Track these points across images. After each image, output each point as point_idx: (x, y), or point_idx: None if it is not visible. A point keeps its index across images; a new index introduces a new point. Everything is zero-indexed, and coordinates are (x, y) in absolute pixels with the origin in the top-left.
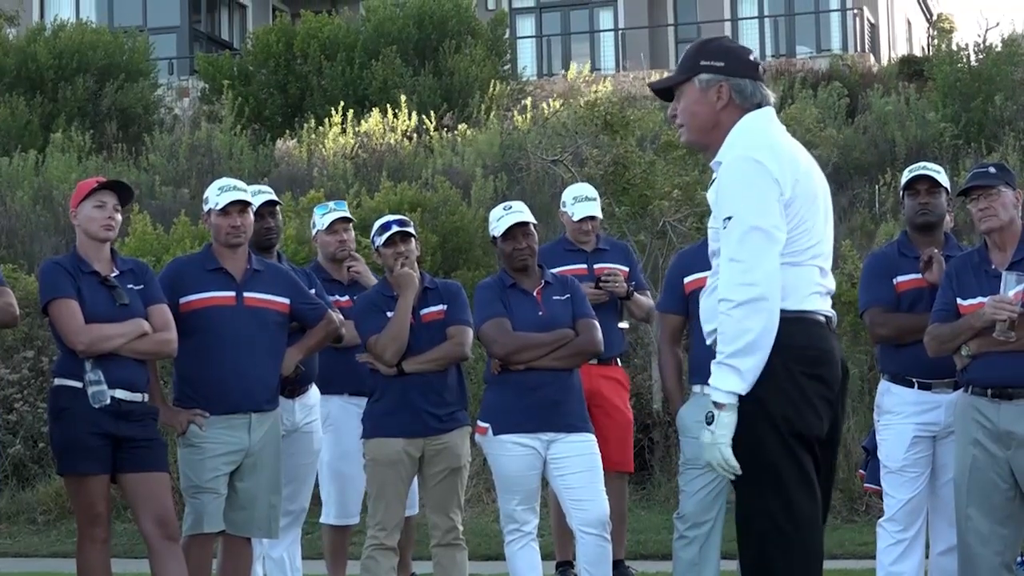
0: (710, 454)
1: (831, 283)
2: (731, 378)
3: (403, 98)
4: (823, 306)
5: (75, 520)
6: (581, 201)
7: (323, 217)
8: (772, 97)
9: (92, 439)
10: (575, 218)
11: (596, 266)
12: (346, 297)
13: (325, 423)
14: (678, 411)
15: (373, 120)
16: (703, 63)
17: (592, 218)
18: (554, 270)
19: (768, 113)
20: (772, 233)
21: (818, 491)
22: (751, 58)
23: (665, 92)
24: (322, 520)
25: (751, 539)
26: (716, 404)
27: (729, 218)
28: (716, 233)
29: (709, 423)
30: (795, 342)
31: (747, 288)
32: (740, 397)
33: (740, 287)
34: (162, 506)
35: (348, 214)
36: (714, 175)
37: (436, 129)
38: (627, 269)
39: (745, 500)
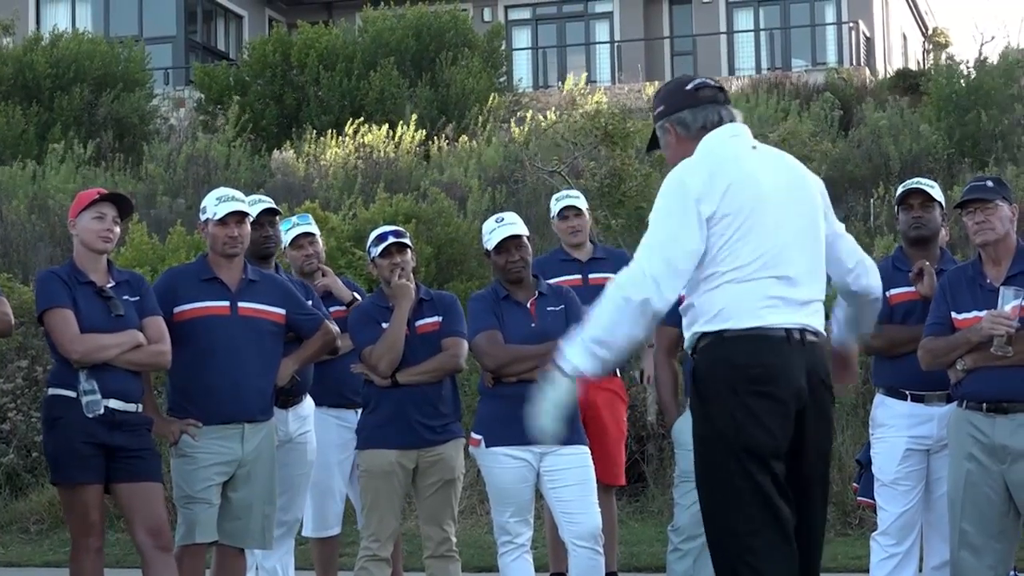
0: (540, 412)
1: (801, 292)
2: (588, 360)
3: (414, 116)
4: (783, 319)
5: (68, 530)
6: (561, 199)
7: (286, 233)
8: (725, 114)
9: (86, 448)
10: (555, 212)
11: (591, 276)
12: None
13: None
14: (673, 423)
15: (379, 134)
16: (654, 113)
17: (576, 211)
18: (549, 281)
19: (727, 130)
20: (676, 265)
21: (780, 505)
22: (688, 87)
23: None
24: (303, 533)
25: (720, 556)
26: (562, 371)
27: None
28: None
29: (548, 382)
30: (737, 361)
31: (642, 293)
32: (693, 415)
33: (637, 287)
34: (155, 516)
35: (311, 228)
36: None
37: (442, 142)
38: None
39: (709, 517)
